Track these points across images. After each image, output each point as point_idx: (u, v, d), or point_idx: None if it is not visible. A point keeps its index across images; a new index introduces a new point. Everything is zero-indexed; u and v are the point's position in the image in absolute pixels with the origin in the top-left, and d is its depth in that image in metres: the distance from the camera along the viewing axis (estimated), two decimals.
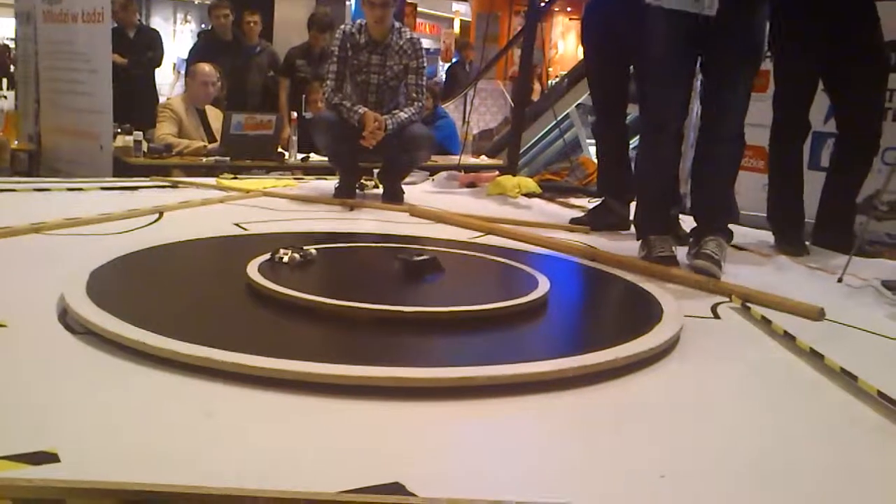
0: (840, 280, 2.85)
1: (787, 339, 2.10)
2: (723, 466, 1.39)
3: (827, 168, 3.62)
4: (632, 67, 3.60)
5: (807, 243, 3.44)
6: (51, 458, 1.21)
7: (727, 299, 2.50)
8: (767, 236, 3.55)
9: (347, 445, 1.36)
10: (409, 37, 4.13)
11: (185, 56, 7.00)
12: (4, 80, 8.25)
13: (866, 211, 3.00)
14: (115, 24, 6.17)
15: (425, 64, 4.19)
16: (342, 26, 4.19)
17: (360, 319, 1.96)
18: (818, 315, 2.35)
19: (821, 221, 3.54)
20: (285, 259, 2.41)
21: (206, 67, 5.30)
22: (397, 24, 4.15)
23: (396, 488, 1.19)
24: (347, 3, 11.19)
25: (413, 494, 1.18)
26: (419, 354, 1.87)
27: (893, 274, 2.94)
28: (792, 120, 3.40)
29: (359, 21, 4.15)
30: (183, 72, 7.24)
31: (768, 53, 3.35)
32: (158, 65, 6.74)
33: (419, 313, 2.02)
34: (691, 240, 2.99)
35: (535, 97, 7.88)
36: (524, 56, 5.41)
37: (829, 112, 3.68)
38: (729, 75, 2.86)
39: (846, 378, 1.81)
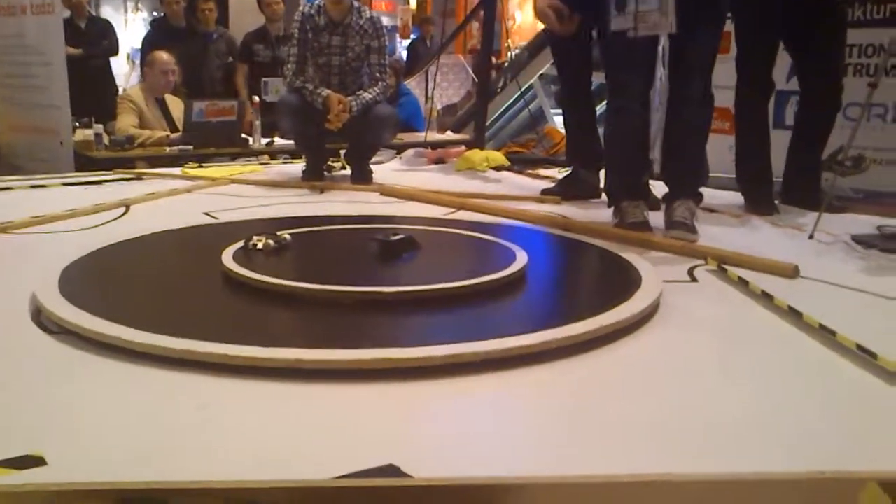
0: (811, 237, 2.89)
1: (765, 298, 2.12)
2: (712, 429, 1.39)
3: (792, 126, 3.65)
4: (595, 33, 3.59)
5: (776, 202, 3.47)
6: (37, 461, 1.19)
7: (703, 262, 2.52)
8: (737, 197, 3.57)
9: (339, 430, 1.35)
10: (369, 16, 4.09)
11: (139, 46, 6.89)
12: None
13: (830, 167, 3.02)
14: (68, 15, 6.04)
15: (387, 42, 4.15)
16: (300, 8, 4.13)
17: (340, 302, 1.95)
18: (793, 273, 2.38)
19: (788, 180, 3.58)
20: (259, 246, 2.38)
21: (164, 55, 5.20)
22: (356, 4, 4.10)
23: (392, 470, 1.19)
24: None
25: (409, 475, 1.18)
26: (402, 334, 1.85)
27: (862, 228, 2.98)
28: (755, 80, 3.41)
29: (317, 3, 4.09)
30: (138, 62, 7.12)
31: (729, 15, 3.36)
32: (115, 53, 6.64)
33: (399, 293, 2.01)
34: (664, 205, 3.00)
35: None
36: (485, 28, 5.37)
37: (791, 70, 3.70)
38: (692, 34, 2.85)
39: (825, 333, 1.83)
